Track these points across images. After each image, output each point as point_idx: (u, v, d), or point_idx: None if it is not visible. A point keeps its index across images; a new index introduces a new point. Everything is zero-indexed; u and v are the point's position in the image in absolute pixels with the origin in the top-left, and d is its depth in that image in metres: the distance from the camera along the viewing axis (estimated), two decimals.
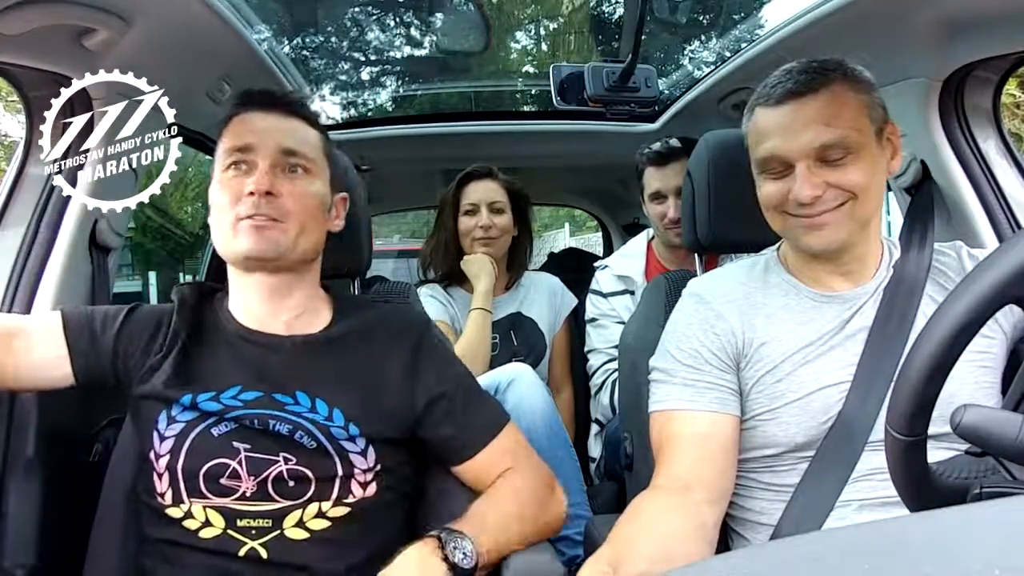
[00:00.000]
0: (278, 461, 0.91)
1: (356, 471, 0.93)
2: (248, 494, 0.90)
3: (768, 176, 0.95)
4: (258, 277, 0.97)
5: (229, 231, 0.93)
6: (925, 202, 1.22)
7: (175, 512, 0.91)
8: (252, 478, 0.90)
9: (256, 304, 0.98)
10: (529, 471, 1.00)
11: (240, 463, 0.90)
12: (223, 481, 0.90)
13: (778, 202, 0.94)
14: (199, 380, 0.94)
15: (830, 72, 0.91)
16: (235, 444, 0.91)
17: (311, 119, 1.01)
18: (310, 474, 0.91)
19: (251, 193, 0.91)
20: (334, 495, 0.92)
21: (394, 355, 0.99)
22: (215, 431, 0.92)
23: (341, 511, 0.92)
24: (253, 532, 0.90)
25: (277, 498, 0.90)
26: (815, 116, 0.89)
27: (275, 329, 0.98)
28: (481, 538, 0.88)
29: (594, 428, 1.80)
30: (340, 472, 0.92)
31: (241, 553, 0.89)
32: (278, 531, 0.90)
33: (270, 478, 0.90)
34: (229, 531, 0.90)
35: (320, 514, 0.91)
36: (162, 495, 0.92)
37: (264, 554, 0.89)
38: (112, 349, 0.96)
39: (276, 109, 0.98)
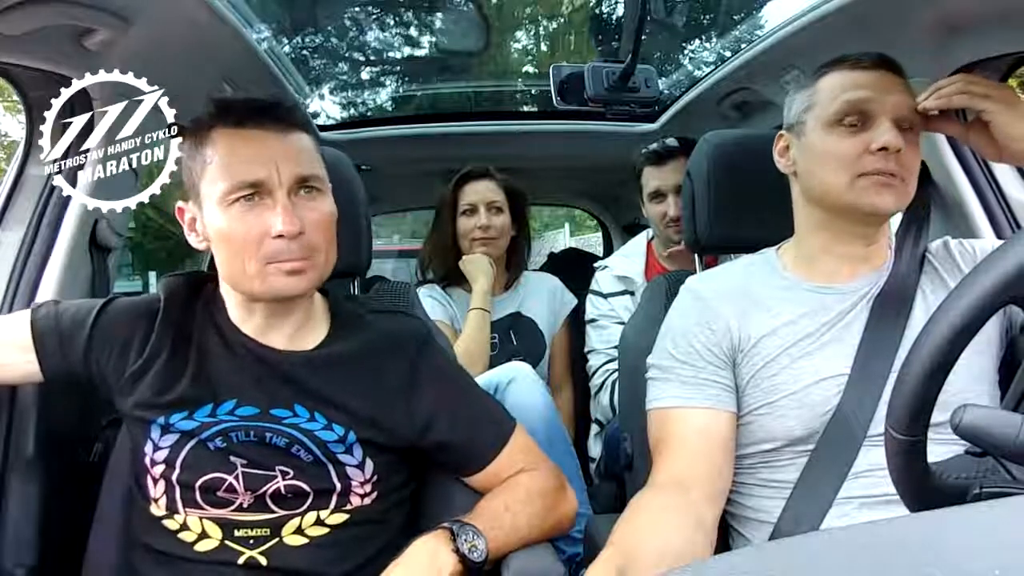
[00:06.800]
0: (275, 476, 0.89)
1: (354, 483, 0.91)
2: (245, 505, 0.89)
3: (843, 129, 0.93)
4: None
5: (255, 273, 0.86)
6: (924, 201, 1.22)
7: (171, 524, 0.90)
8: (249, 492, 0.89)
9: (259, 317, 0.94)
10: (540, 470, 0.99)
11: (237, 478, 0.89)
12: (220, 494, 0.89)
13: (855, 156, 0.91)
14: (195, 391, 0.90)
15: None
16: (232, 459, 0.89)
17: (305, 125, 0.93)
18: (307, 487, 0.90)
19: (279, 235, 0.84)
20: (332, 505, 0.91)
21: (392, 369, 0.96)
22: (211, 445, 0.89)
23: (340, 518, 0.91)
24: (251, 541, 0.89)
25: (275, 509, 0.90)
26: (901, 87, 0.94)
27: (275, 342, 0.94)
28: (491, 533, 0.87)
29: (594, 428, 1.80)
30: (338, 485, 0.91)
31: (240, 562, 0.88)
32: (277, 539, 0.89)
33: (267, 493, 0.89)
34: (227, 541, 0.89)
35: (319, 522, 0.90)
36: (156, 501, 0.91)
37: (263, 561, 0.88)
38: (83, 353, 0.92)
39: (271, 123, 0.88)
